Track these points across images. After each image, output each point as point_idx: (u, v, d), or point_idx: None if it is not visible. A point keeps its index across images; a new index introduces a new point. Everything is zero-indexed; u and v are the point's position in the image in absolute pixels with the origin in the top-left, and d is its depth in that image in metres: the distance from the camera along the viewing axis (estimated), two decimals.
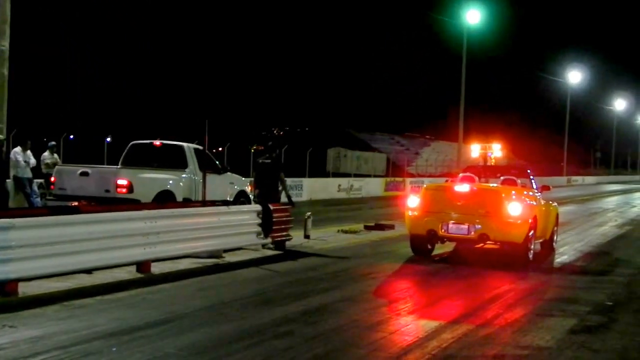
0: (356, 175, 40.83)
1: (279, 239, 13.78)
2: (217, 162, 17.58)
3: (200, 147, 17.79)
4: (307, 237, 15.62)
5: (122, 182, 14.49)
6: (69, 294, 8.97)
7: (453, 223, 13.16)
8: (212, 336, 7.45)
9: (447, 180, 17.21)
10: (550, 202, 16.06)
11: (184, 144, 16.88)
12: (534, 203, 14.16)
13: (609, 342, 7.96)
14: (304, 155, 34.62)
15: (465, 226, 13.06)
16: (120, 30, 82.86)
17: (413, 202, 13.76)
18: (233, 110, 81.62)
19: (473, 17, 46.40)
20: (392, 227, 18.88)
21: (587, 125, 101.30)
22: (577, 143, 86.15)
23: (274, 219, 13.46)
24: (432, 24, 64.18)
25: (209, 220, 11.98)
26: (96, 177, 14.78)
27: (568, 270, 13.43)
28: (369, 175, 42.86)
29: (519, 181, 14.90)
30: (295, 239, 14.74)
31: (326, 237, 16.30)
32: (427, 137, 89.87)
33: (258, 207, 13.35)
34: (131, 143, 17.02)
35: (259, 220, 13.15)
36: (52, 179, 15.54)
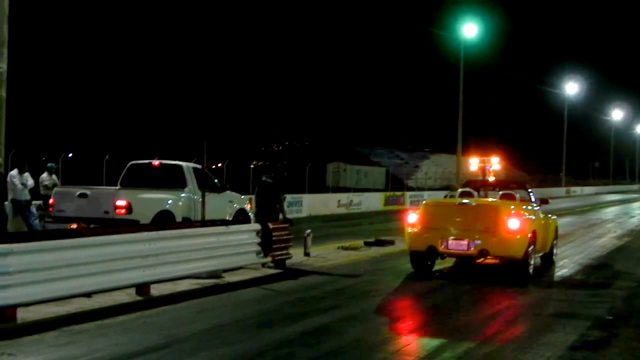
0: (356, 190, 40.80)
1: (279, 257, 13.76)
2: (216, 181, 17.59)
3: (199, 166, 17.80)
4: (307, 254, 15.63)
5: (121, 203, 14.51)
6: (69, 319, 8.94)
7: (453, 239, 13.17)
8: None
9: (446, 196, 17.25)
10: (550, 215, 16.09)
11: (183, 164, 16.90)
12: (533, 217, 14.17)
13: (609, 358, 7.95)
14: (304, 171, 34.63)
15: (465, 242, 13.06)
16: (116, 46, 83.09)
17: (412, 218, 13.76)
18: (232, 126, 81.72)
19: (470, 31, 46.59)
20: (392, 242, 18.86)
21: (585, 135, 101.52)
22: (575, 154, 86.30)
23: (274, 238, 13.45)
24: (431, 38, 64.41)
25: (208, 241, 11.97)
26: (95, 199, 14.79)
27: (568, 284, 13.42)
28: (368, 190, 42.85)
29: (517, 195, 14.92)
30: (296, 256, 14.74)
31: (326, 255, 16.28)
32: (426, 150, 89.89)
33: (257, 226, 13.35)
34: (130, 163, 17.04)
35: (259, 240, 13.14)
36: (51, 200, 15.55)
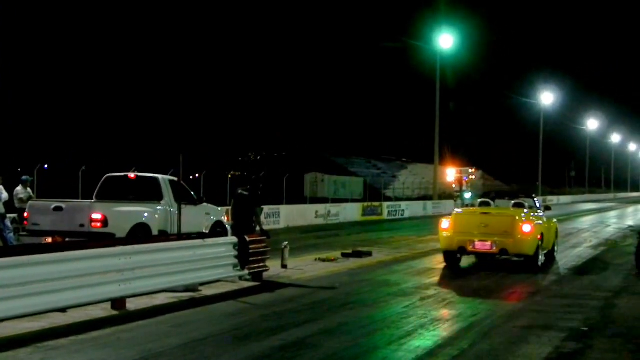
0: (334, 201, 40.80)
1: (256, 270, 13.74)
2: (192, 193, 17.51)
3: (175, 179, 17.71)
4: (284, 267, 15.61)
5: (96, 216, 14.41)
6: (43, 335, 8.87)
7: (479, 241, 16.32)
8: None
9: (468, 205, 20.08)
10: (550, 219, 19.06)
11: (159, 176, 16.81)
12: (541, 222, 17.26)
13: None
14: (281, 181, 34.60)
15: (489, 243, 16.27)
16: (93, 57, 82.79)
17: (445, 224, 16.83)
18: (209, 136, 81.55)
19: (446, 42, 46.98)
20: (369, 254, 18.89)
21: (561, 145, 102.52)
22: (551, 163, 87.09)
23: (251, 250, 13.43)
24: (407, 49, 64.78)
25: (184, 255, 11.90)
26: (70, 212, 14.68)
27: (543, 295, 13.50)
28: (346, 200, 42.87)
29: (526, 204, 17.97)
30: (273, 269, 14.71)
31: (304, 267, 16.26)
32: (404, 159, 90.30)
33: (234, 239, 13.31)
34: (105, 176, 16.91)
35: (236, 252, 13.10)
36: (26, 214, 15.40)
